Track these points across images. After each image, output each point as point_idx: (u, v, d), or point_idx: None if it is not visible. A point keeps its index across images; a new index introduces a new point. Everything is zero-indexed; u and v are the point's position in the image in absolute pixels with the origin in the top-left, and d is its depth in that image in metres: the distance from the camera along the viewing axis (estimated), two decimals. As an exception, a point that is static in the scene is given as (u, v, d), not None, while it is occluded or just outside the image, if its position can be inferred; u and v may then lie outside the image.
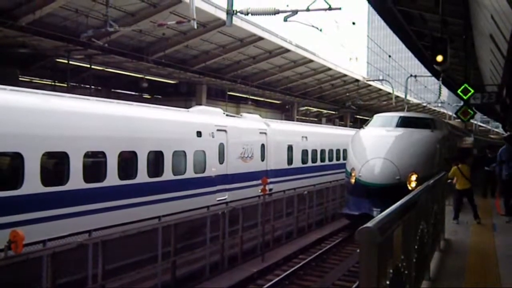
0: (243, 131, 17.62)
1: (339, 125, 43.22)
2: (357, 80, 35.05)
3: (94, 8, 15.83)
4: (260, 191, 14.09)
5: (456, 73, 20.89)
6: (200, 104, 23.85)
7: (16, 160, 9.24)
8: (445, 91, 42.29)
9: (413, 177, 14.70)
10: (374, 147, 15.86)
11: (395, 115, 18.13)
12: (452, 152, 19.73)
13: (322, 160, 24.28)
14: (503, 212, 12.22)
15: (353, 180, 15.50)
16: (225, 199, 15.10)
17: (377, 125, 17.60)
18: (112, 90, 26.90)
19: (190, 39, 20.28)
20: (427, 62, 18.48)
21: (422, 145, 16.07)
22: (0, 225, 8.52)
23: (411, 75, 35.58)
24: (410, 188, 14.11)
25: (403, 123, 17.01)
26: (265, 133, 18.84)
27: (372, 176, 14.87)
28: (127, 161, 11.87)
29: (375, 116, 18.79)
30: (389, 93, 39.55)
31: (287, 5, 14.13)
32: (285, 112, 38.47)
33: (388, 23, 15.06)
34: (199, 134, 14.67)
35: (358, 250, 2.87)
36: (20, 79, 20.64)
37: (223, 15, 16.07)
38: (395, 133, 16.45)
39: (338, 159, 25.90)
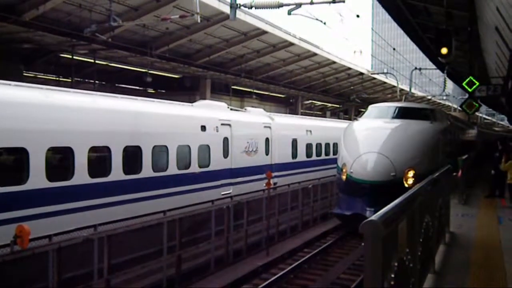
0: (247, 125, 17.59)
1: (344, 119, 43.12)
2: (361, 73, 34.96)
3: (97, 3, 15.82)
4: (264, 185, 14.08)
5: (461, 65, 20.80)
6: (204, 99, 23.84)
7: (21, 155, 9.27)
8: (450, 84, 42.11)
9: (410, 173, 13.50)
10: (368, 140, 14.59)
11: (391, 106, 16.74)
12: (454, 145, 18.88)
13: (327, 153, 24.21)
14: None
15: (344, 177, 14.30)
16: (229, 193, 15.12)
17: (372, 116, 16.30)
18: (116, 85, 26.93)
19: (193, 33, 20.26)
20: (432, 55, 18.40)
21: (421, 138, 14.76)
22: (6, 220, 8.56)
23: (415, 68, 35.39)
24: (406, 185, 13.11)
25: (400, 114, 15.64)
26: (270, 127, 18.81)
27: (364, 172, 13.67)
28: (132, 156, 11.88)
29: (370, 106, 17.42)
30: (394, 86, 39.43)
31: (291, -2, 14.07)
32: (289, 106, 38.44)
33: (392, 16, 15.01)
34: (203, 128, 14.66)
35: (362, 244, 2.86)
36: (24, 74, 20.71)
37: (226, 9, 16.05)
38: (391, 125, 15.17)
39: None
